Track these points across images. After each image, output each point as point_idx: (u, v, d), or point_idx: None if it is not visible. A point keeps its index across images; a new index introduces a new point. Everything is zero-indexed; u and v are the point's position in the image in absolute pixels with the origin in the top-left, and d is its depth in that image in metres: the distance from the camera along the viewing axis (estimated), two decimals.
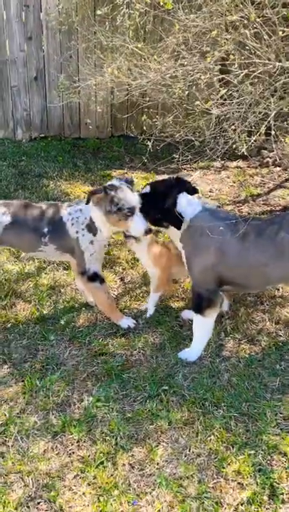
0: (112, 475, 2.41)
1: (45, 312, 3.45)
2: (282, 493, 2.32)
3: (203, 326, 3.04)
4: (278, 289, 3.63)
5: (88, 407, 2.73)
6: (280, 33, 2.97)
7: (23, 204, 3.22)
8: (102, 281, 3.17)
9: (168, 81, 3.59)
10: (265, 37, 3.03)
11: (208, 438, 2.57)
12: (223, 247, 2.88)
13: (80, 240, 3.09)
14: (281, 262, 2.84)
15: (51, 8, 5.51)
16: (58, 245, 3.15)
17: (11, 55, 5.78)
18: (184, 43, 3.57)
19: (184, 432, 2.61)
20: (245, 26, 3.09)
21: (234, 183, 5.29)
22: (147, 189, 3.06)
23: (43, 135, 6.17)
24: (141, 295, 3.57)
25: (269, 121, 2.88)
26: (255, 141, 2.89)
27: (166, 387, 2.85)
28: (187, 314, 3.38)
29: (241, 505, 2.29)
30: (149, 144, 3.64)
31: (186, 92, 3.54)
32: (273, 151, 3.17)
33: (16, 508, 2.27)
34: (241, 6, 3.07)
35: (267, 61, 3.02)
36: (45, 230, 3.11)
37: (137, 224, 2.97)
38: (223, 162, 5.60)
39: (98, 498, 2.31)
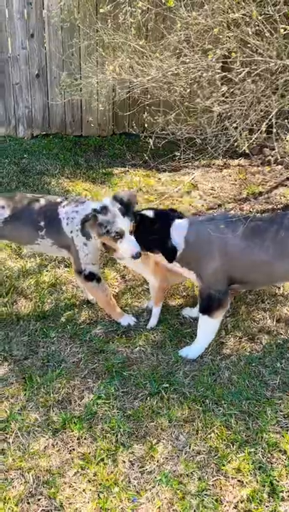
0: (112, 472, 2.41)
1: (46, 309, 3.46)
2: (282, 491, 2.33)
3: (209, 327, 3.04)
4: (279, 288, 3.63)
5: (89, 404, 2.74)
6: (282, 30, 2.97)
7: (22, 197, 3.24)
8: (98, 280, 3.17)
9: (170, 78, 3.59)
10: (267, 34, 3.02)
11: (209, 436, 2.58)
12: (226, 248, 2.90)
13: (74, 240, 3.10)
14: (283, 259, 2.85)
15: (53, 5, 5.51)
16: (54, 240, 3.16)
17: (13, 52, 5.78)
18: (185, 41, 3.56)
19: (184, 429, 2.62)
20: (247, 24, 3.08)
21: (236, 181, 5.29)
22: (150, 213, 3.04)
23: (44, 133, 6.17)
24: (142, 293, 3.57)
25: (270, 119, 2.88)
26: (256, 139, 2.89)
27: (167, 385, 2.86)
28: (188, 312, 3.39)
29: (241, 502, 2.29)
30: (151, 141, 3.64)
31: (188, 90, 3.53)
32: (275, 149, 3.16)
33: (16, 505, 2.28)
34: (243, 3, 3.07)
35: (268, 59, 3.01)
36: (42, 223, 3.12)
37: (126, 247, 2.93)
38: (224, 160, 5.60)
39: (98, 495, 2.32)
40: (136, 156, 5.75)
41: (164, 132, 3.80)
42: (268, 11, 3.06)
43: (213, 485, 2.36)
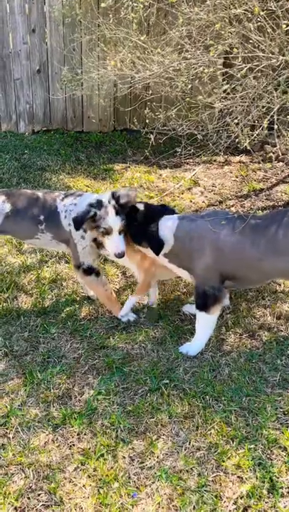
0: (112, 467, 2.42)
1: (46, 305, 3.46)
2: (282, 487, 2.33)
3: (207, 323, 3.05)
4: (279, 284, 3.63)
5: (89, 400, 2.74)
6: (284, 26, 2.95)
7: (21, 192, 3.26)
8: (97, 274, 3.18)
9: (171, 74, 3.57)
10: (269, 30, 3.01)
11: (209, 432, 2.58)
12: (218, 244, 2.91)
13: (72, 233, 3.10)
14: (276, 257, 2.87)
15: (54, 0, 5.48)
16: (53, 234, 3.17)
17: (14, 47, 5.76)
18: (187, 36, 3.55)
19: (184, 425, 2.62)
20: (249, 19, 3.06)
21: (237, 177, 5.28)
22: (141, 206, 3.08)
23: (45, 128, 6.16)
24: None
25: (272, 116, 2.87)
26: (258, 135, 2.88)
27: (167, 381, 2.86)
28: (188, 308, 3.39)
29: (241, 498, 2.29)
30: (152, 137, 3.63)
31: (189, 86, 3.52)
32: (276, 145, 3.15)
33: (16, 499, 2.28)
34: None
35: (271, 55, 3.00)
36: (42, 217, 3.14)
37: (112, 245, 2.97)
38: (226, 157, 5.59)
39: (98, 490, 2.32)
40: (137, 152, 5.74)
41: (165, 128, 3.79)
42: (271, 7, 3.04)
43: (212, 481, 2.37)
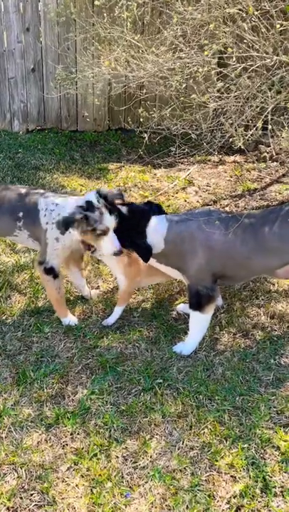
0: (105, 467, 2.41)
1: (40, 304, 3.45)
2: (275, 487, 2.33)
3: (200, 322, 3.05)
4: (273, 284, 3.63)
5: (82, 400, 2.74)
6: (278, 26, 2.96)
7: (2, 188, 3.25)
8: (55, 276, 3.13)
9: (165, 73, 3.57)
10: (263, 30, 3.01)
11: (202, 431, 2.58)
12: (209, 244, 2.91)
13: (47, 232, 3.07)
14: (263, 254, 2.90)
15: None
16: (30, 232, 3.15)
17: (8, 46, 5.74)
18: (181, 36, 3.54)
19: (177, 424, 2.62)
20: (243, 19, 3.07)
21: (231, 177, 5.28)
22: (124, 210, 3.01)
23: (39, 127, 6.14)
24: (136, 288, 3.56)
25: (266, 116, 2.87)
26: (252, 135, 2.88)
27: (161, 381, 2.86)
28: (182, 308, 3.39)
29: (234, 498, 2.30)
30: (146, 136, 3.62)
31: (184, 85, 3.52)
32: (270, 145, 3.15)
33: (9, 499, 2.27)
34: None
35: (265, 55, 3.00)
36: (21, 214, 3.12)
37: (108, 244, 2.94)
38: (220, 156, 5.60)
39: (91, 490, 2.32)
40: (131, 152, 5.73)
41: (159, 127, 3.79)
42: (265, 7, 3.05)
43: (206, 480, 2.37)
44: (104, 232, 2.91)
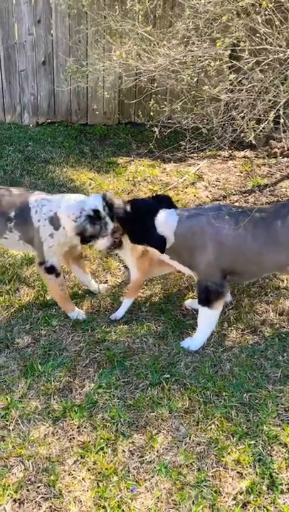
0: (111, 461, 2.41)
1: (48, 298, 3.45)
2: (282, 484, 2.32)
3: (209, 318, 3.03)
4: (282, 281, 3.61)
5: (89, 393, 2.74)
6: None
7: None
8: (57, 274, 3.13)
9: (177, 67, 3.54)
10: (277, 23, 2.97)
11: (209, 427, 2.57)
12: (220, 239, 2.88)
13: (40, 229, 3.04)
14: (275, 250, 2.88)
15: None
16: (21, 233, 3.10)
17: (19, 38, 5.73)
18: (194, 29, 3.51)
19: (184, 420, 2.62)
20: (256, 12, 3.03)
21: (241, 173, 5.25)
22: (127, 207, 3.01)
23: (49, 120, 6.13)
24: (144, 282, 3.55)
25: (278, 110, 2.84)
26: (263, 128, 2.85)
27: (168, 376, 2.85)
28: (191, 303, 3.38)
29: (240, 494, 2.29)
30: (156, 130, 3.60)
31: (195, 79, 3.49)
32: (282, 140, 3.12)
33: (15, 491, 2.28)
34: None
35: (278, 48, 2.96)
36: (12, 214, 3.08)
37: (102, 242, 3.05)
38: (230, 151, 5.56)
39: (97, 484, 2.32)
40: (141, 146, 5.71)
41: (170, 121, 3.77)
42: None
43: (212, 476, 2.36)
44: (107, 234, 3.03)
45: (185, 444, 2.49)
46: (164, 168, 5.30)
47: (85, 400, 2.70)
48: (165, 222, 2.95)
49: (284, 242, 2.85)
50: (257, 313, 3.34)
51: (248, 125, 2.93)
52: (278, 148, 5.46)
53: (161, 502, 2.26)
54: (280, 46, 2.97)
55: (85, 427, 2.57)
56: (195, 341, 3.07)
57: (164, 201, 3.11)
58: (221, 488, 2.31)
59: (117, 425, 2.58)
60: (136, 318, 3.29)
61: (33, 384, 2.80)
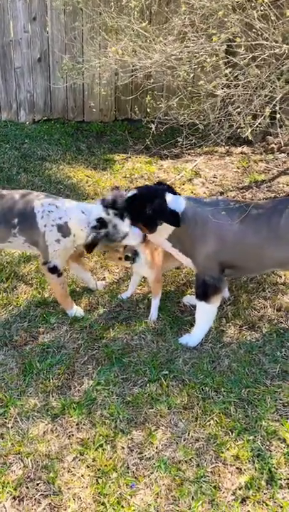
0: (111, 458, 2.42)
1: (46, 295, 3.45)
2: (280, 479, 2.33)
3: (207, 313, 3.03)
4: (280, 276, 3.61)
5: (88, 390, 2.74)
6: (288, 14, 2.91)
7: None
8: (59, 274, 3.13)
9: (173, 63, 3.54)
10: (273, 18, 2.97)
11: (208, 423, 2.58)
12: (221, 233, 2.88)
13: (46, 234, 3.03)
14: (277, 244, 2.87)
15: None
16: (26, 237, 3.09)
17: (14, 36, 5.71)
18: (190, 25, 3.50)
19: (183, 416, 2.62)
20: (252, 7, 3.02)
21: (238, 168, 5.25)
22: (134, 192, 2.98)
23: (46, 118, 6.12)
24: (142, 280, 3.55)
25: (274, 105, 2.84)
26: (259, 124, 2.85)
27: (166, 372, 2.85)
28: (189, 300, 3.38)
29: (239, 489, 2.29)
30: (153, 126, 3.60)
31: (192, 75, 3.48)
32: (278, 136, 3.12)
33: (15, 489, 2.28)
34: None
35: (274, 43, 2.96)
36: (16, 221, 3.04)
37: (132, 237, 3.00)
38: (227, 147, 5.55)
39: (97, 480, 2.32)
40: (138, 142, 5.70)
41: (166, 118, 3.76)
42: None
43: (211, 472, 2.37)
44: (126, 235, 2.97)
45: (184, 440, 2.50)
46: (161, 165, 5.30)
47: (84, 397, 2.71)
48: (175, 202, 2.92)
49: (284, 238, 2.85)
50: (255, 309, 3.35)
51: (244, 121, 2.93)
52: (275, 144, 5.46)
53: (161, 498, 2.26)
54: (276, 41, 2.96)
55: (84, 424, 2.57)
56: (193, 337, 3.07)
57: (168, 187, 3.10)
58: (220, 484, 2.32)
59: (116, 422, 2.58)
60: (134, 315, 3.29)
61: (31, 381, 2.80)
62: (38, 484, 2.31)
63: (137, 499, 2.26)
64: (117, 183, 4.84)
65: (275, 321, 3.25)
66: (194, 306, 3.20)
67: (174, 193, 3.06)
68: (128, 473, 2.36)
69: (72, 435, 2.52)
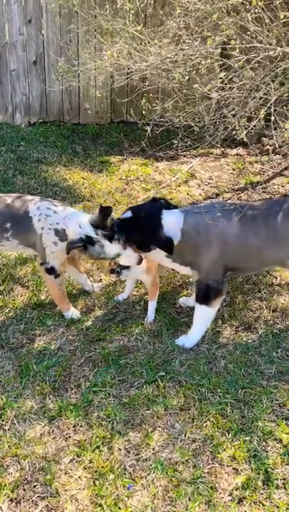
0: (107, 459, 2.42)
1: (42, 298, 3.45)
2: (277, 479, 2.34)
3: (206, 316, 3.04)
4: (276, 277, 3.63)
5: (85, 392, 2.74)
6: (282, 17, 2.93)
7: None
8: (57, 275, 3.13)
9: (168, 65, 3.55)
10: (267, 21, 2.98)
11: (204, 424, 2.59)
12: (223, 236, 2.89)
13: (43, 237, 3.03)
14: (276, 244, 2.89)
15: None
16: (20, 240, 3.09)
17: (10, 38, 5.71)
18: (185, 28, 3.52)
19: (179, 417, 2.63)
20: (247, 10, 3.04)
21: (234, 170, 5.27)
22: (128, 214, 2.97)
23: (42, 120, 6.12)
24: (138, 282, 3.56)
25: (269, 107, 2.86)
26: (254, 126, 2.86)
27: (163, 373, 2.86)
28: (185, 301, 3.39)
29: (236, 490, 2.30)
30: (148, 128, 3.61)
31: (187, 77, 3.50)
32: (273, 138, 3.14)
33: (12, 491, 2.28)
34: None
35: (268, 46, 2.98)
36: (8, 225, 3.04)
37: (127, 260, 3.00)
38: (222, 149, 5.58)
39: (94, 482, 2.33)
40: (134, 145, 5.72)
41: (162, 120, 3.78)
42: None
43: (208, 472, 2.37)
44: (118, 255, 2.96)
45: (181, 441, 2.51)
46: (157, 167, 5.31)
47: (81, 399, 2.71)
48: (171, 220, 2.91)
49: (284, 237, 2.87)
50: (251, 310, 3.36)
51: (239, 123, 2.95)
52: (270, 146, 5.48)
53: (158, 499, 2.27)
54: (270, 44, 2.98)
55: (80, 426, 2.57)
56: (190, 339, 3.08)
57: (163, 201, 3.09)
58: (216, 485, 2.32)
59: (113, 423, 2.58)
60: (130, 317, 3.30)
61: (28, 384, 2.80)
62: (35, 486, 2.32)
63: (134, 500, 2.26)
64: (114, 186, 4.85)
65: (271, 322, 3.27)
66: (190, 308, 3.22)
67: (170, 206, 3.05)
68: (125, 474, 2.36)
69: (69, 437, 2.53)
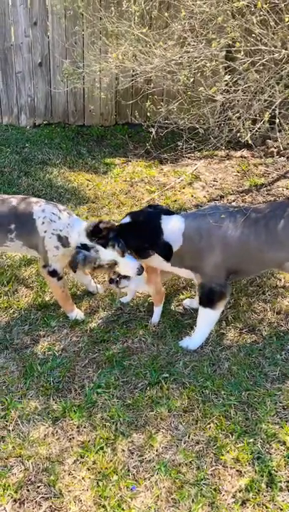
0: (111, 460, 2.43)
1: (47, 299, 3.46)
2: (280, 481, 2.34)
3: (210, 319, 3.04)
4: (280, 279, 3.63)
5: (89, 393, 2.75)
6: (287, 19, 2.94)
7: None
8: (59, 278, 3.15)
9: (173, 68, 3.56)
10: (272, 24, 2.99)
11: (208, 425, 2.59)
12: (226, 240, 2.89)
13: (45, 240, 3.04)
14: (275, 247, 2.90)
15: None
16: (24, 241, 3.10)
17: (15, 40, 5.73)
18: (190, 30, 3.53)
19: (183, 419, 2.63)
20: (252, 13, 3.05)
21: (238, 172, 5.27)
22: (127, 219, 2.98)
23: (46, 122, 6.14)
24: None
25: (274, 109, 2.86)
26: (259, 128, 2.87)
27: (167, 375, 2.86)
28: (189, 303, 3.39)
29: (239, 492, 2.30)
30: (153, 130, 3.62)
31: (192, 79, 3.51)
32: (278, 140, 3.14)
33: (16, 491, 2.29)
34: None
35: (273, 48, 2.98)
36: (12, 226, 3.05)
37: (126, 269, 2.99)
38: (227, 151, 5.58)
39: (97, 483, 2.33)
40: (138, 146, 5.72)
41: (166, 122, 3.78)
42: (274, 0, 3.03)
43: (211, 474, 2.37)
44: (114, 263, 2.96)
45: (184, 443, 2.51)
46: (161, 169, 5.32)
47: (85, 400, 2.72)
48: (172, 225, 2.91)
49: (284, 240, 2.87)
50: (255, 312, 3.36)
51: (244, 125, 2.95)
52: (275, 148, 5.48)
53: (161, 501, 2.27)
54: (275, 46, 2.98)
55: (84, 427, 2.58)
56: (193, 341, 3.08)
57: (161, 208, 3.09)
58: (220, 486, 2.33)
59: (117, 425, 2.59)
60: (134, 319, 3.30)
61: (32, 384, 2.81)
62: (38, 487, 2.32)
63: (137, 502, 2.26)
64: (118, 187, 4.86)
65: (275, 324, 3.26)
66: (194, 310, 3.22)
67: (168, 211, 3.05)
68: (128, 475, 2.37)
69: (73, 438, 2.53)
